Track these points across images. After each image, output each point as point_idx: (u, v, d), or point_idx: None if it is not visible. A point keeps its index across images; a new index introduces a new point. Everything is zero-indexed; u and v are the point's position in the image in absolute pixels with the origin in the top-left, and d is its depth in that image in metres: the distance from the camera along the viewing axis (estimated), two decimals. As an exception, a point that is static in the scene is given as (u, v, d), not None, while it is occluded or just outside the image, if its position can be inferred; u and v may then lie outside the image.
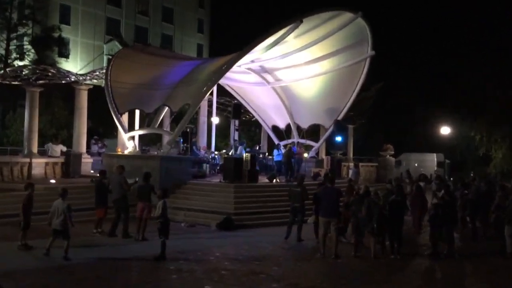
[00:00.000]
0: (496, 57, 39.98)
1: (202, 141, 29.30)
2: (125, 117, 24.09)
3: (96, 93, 26.60)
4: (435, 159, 42.00)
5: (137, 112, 25.22)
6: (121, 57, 25.10)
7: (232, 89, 31.69)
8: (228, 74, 25.52)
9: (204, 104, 28.37)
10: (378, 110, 41.87)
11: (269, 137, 33.69)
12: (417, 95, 50.96)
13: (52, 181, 21.19)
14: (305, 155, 28.25)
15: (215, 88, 26.70)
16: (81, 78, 24.96)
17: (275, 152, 25.94)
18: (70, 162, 23.05)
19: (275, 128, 32.77)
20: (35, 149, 23.43)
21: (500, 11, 47.66)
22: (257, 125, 37.69)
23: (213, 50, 60.84)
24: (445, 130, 37.06)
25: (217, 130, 31.59)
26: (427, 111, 48.72)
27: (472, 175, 31.86)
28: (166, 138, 24.88)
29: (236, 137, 27.41)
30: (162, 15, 61.33)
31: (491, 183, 20.37)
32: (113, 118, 23.25)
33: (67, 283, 10.58)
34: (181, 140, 24.06)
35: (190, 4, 63.97)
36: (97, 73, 25.64)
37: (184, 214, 18.19)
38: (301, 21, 23.40)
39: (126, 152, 23.25)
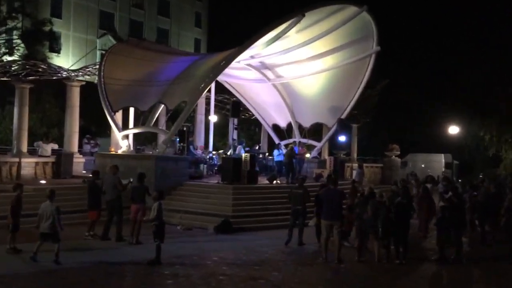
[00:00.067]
0: (508, 55, 39.45)
1: (199, 140, 29.12)
2: (118, 115, 24.00)
3: (88, 90, 26.43)
4: (443, 159, 41.95)
5: (132, 110, 25.08)
6: (115, 52, 24.92)
7: (231, 86, 31.53)
8: (227, 71, 25.31)
9: (201, 101, 28.26)
10: (383, 108, 41.83)
11: (269, 137, 33.61)
12: (424, 93, 51.01)
13: (42, 181, 21.03)
14: (307, 155, 28.26)
15: (213, 85, 26.61)
16: (73, 74, 24.79)
17: (276, 152, 25.86)
18: (61, 162, 22.94)
19: (275, 127, 32.64)
20: (24, 148, 23.27)
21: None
22: (256, 123, 37.48)
23: (211, 45, 60.68)
24: (453, 130, 36.37)
25: (215, 129, 31.42)
26: (434, 109, 48.68)
27: (481, 176, 31.81)
28: (161, 137, 24.86)
29: (235, 136, 27.46)
30: (158, 8, 60.45)
31: (501, 185, 20.30)
32: (106, 116, 23.13)
33: (59, 287, 10.62)
34: (178, 139, 23.94)
35: (187, -3, 63.38)
36: (90, 69, 25.46)
37: (180, 217, 18.06)
38: (303, 15, 23.32)
39: (119, 151, 23.16)
